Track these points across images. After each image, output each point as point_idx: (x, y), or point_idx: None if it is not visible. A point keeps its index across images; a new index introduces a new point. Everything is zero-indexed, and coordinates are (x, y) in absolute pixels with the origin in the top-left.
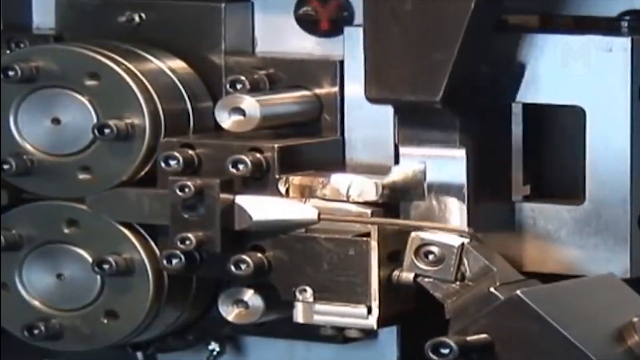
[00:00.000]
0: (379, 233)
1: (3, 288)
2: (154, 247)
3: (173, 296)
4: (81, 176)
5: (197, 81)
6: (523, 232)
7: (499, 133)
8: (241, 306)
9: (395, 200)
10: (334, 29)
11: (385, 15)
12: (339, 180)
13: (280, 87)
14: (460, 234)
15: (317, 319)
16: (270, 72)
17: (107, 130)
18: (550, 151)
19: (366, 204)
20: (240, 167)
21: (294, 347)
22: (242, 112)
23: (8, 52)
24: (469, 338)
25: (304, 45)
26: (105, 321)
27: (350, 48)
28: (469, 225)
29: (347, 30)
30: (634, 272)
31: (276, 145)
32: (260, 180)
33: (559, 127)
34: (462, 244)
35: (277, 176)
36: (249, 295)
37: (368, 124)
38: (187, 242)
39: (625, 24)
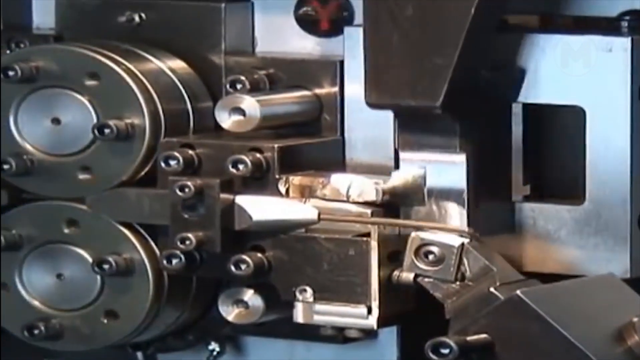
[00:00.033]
0: (379, 233)
1: (3, 288)
2: (154, 247)
3: (173, 296)
4: (81, 176)
5: (197, 81)
6: (523, 232)
7: (499, 134)
8: (241, 306)
9: (396, 205)
10: (334, 29)
11: (386, 20)
12: (339, 181)
13: (280, 87)
14: (460, 234)
15: (317, 319)
16: (270, 72)
17: (107, 130)
18: (550, 151)
19: (366, 204)
20: (240, 167)
21: (294, 347)
22: (242, 112)
23: (8, 52)
24: (469, 338)
25: (304, 45)
26: (105, 321)
27: (351, 48)
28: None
29: (347, 30)
30: (634, 272)
31: (276, 145)
32: (260, 180)
33: (559, 127)
34: (462, 244)
35: (277, 176)
36: (249, 295)
37: (368, 124)
38: (187, 242)
39: (625, 24)
